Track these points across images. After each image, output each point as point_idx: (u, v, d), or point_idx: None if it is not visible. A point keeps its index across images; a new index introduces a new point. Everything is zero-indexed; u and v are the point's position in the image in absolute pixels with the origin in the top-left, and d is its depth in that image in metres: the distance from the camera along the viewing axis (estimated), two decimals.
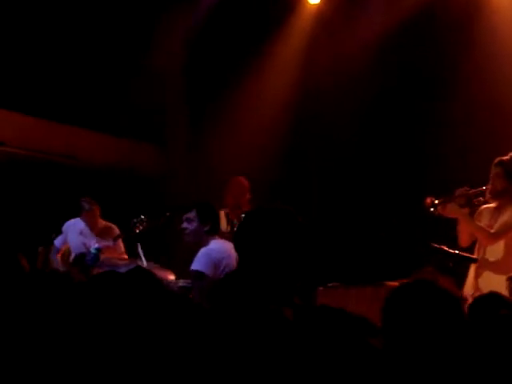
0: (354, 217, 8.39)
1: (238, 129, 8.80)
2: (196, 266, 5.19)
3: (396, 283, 5.05)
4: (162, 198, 8.77)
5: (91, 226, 6.94)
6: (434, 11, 7.92)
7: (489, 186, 5.46)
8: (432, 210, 5.42)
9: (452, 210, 5.46)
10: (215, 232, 5.45)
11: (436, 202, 5.43)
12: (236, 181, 7.07)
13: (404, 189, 8.04)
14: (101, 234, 6.94)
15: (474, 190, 5.53)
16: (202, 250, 5.24)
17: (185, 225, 5.41)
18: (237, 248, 2.44)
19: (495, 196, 5.44)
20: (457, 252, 5.44)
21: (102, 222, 7.03)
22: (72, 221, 7.05)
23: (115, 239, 6.80)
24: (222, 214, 6.85)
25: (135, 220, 6.56)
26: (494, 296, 3.31)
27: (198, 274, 5.15)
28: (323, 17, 8.59)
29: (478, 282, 5.39)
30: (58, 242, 7.00)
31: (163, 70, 8.87)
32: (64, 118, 8.46)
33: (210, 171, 8.61)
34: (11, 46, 7.92)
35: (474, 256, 5.50)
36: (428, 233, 5.93)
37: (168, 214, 6.86)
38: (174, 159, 9.38)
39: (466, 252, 5.53)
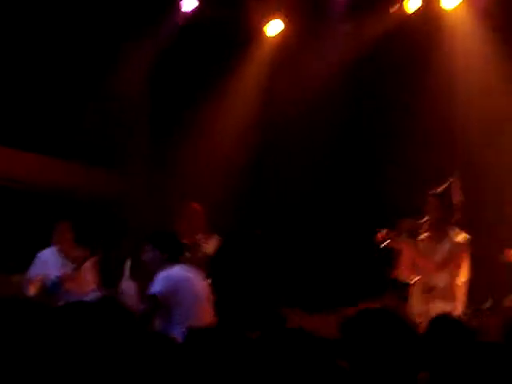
0: (313, 242, 8.50)
1: (199, 155, 8.86)
2: (151, 289, 5.21)
3: (356, 309, 5.15)
4: (119, 223, 8.76)
5: (64, 249, 6.85)
6: (393, 39, 8.12)
7: (427, 218, 5.67)
8: (384, 243, 5.60)
9: (402, 243, 5.65)
10: (176, 259, 5.45)
11: (387, 235, 5.61)
12: (189, 207, 7.06)
13: (363, 215, 8.17)
14: (74, 259, 6.86)
15: (416, 222, 5.74)
16: (159, 274, 5.26)
17: (144, 256, 5.45)
18: (213, 274, 2.48)
19: (433, 227, 5.66)
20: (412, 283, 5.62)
21: (76, 248, 6.93)
22: (42, 251, 6.96)
23: (77, 266, 6.73)
24: None
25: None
26: (450, 320, 3.42)
27: (152, 298, 5.18)
28: (283, 47, 8.72)
29: (427, 308, 5.52)
30: (30, 272, 6.89)
31: (124, 97, 8.90)
32: (13, 142, 8.38)
33: (168, 195, 8.63)
34: None
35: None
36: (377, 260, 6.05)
37: (127, 240, 6.88)
38: (131, 183, 9.35)
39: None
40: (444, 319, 3.40)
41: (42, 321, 2.84)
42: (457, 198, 5.69)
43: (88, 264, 6.86)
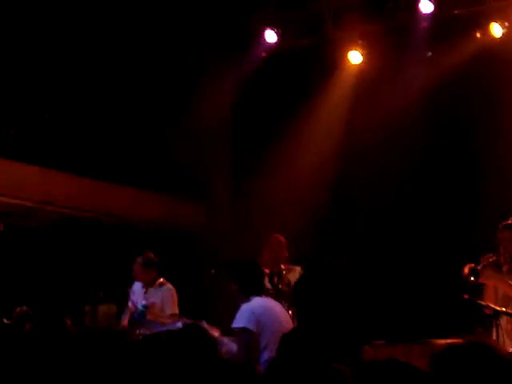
0: (397, 273, 8.39)
1: (280, 186, 8.89)
2: (239, 323, 5.19)
3: (443, 341, 5.05)
4: (205, 254, 8.86)
5: (143, 280, 7.00)
6: (476, 63, 8.02)
7: (502, 253, 5.54)
8: (472, 278, 5.49)
9: (491, 276, 5.55)
10: (255, 291, 5.40)
11: (475, 270, 5.50)
12: (273, 238, 7.12)
13: (447, 244, 8.03)
14: (155, 290, 6.98)
15: (497, 256, 5.61)
16: (244, 306, 5.26)
17: (231, 286, 5.49)
18: (296, 304, 2.48)
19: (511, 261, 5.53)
20: (504, 310, 5.47)
21: (159, 279, 7.05)
22: (135, 282, 7.13)
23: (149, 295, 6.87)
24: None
25: None
26: None
27: (242, 331, 5.15)
28: (365, 76, 8.72)
29: None
30: (128, 303, 7.08)
31: (208, 128, 9.05)
32: (105, 176, 8.61)
33: (251, 228, 8.68)
34: (53, 108, 8.15)
35: None
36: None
37: (212, 271, 6.95)
38: (217, 216, 9.47)
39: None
40: None
41: (128, 351, 2.90)
42: None
43: (169, 294, 6.95)
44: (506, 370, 2.37)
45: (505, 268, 5.64)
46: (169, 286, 6.95)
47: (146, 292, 6.90)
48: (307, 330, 2.42)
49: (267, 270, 6.73)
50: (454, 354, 2.49)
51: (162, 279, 6.96)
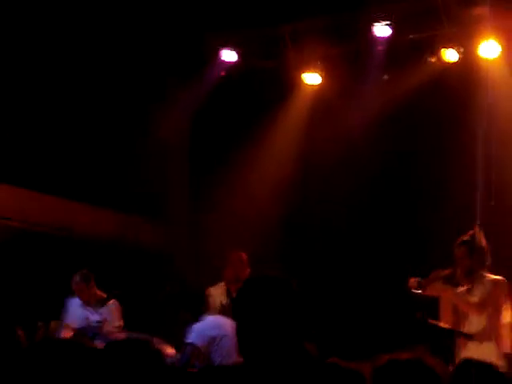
0: (354, 290, 8.50)
1: (238, 203, 8.96)
2: (187, 338, 5.58)
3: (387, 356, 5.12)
4: (162, 271, 8.87)
5: (81, 297, 7.06)
6: (432, 91, 8.19)
7: (458, 268, 5.64)
8: (417, 290, 5.58)
9: (438, 289, 5.64)
10: (200, 311, 5.73)
11: (421, 282, 5.60)
12: (236, 255, 7.22)
13: (402, 261, 8.17)
14: (95, 305, 7.03)
15: (447, 272, 5.71)
16: (194, 325, 5.63)
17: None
18: (235, 317, 2.54)
19: (467, 276, 5.63)
20: (452, 329, 5.56)
21: (98, 294, 7.11)
22: (70, 298, 7.17)
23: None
24: (222, 286, 7.02)
25: None
26: (478, 364, 3.36)
27: (188, 344, 5.53)
28: (323, 98, 8.84)
29: (465, 354, 5.47)
30: (63, 317, 7.10)
31: (165, 146, 9.10)
32: (63, 192, 8.58)
33: (209, 246, 8.73)
34: (12, 120, 8.12)
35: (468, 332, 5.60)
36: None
37: (168, 288, 7.03)
38: (173, 234, 9.48)
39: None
40: (471, 364, 3.33)
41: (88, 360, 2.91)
42: (483, 243, 5.69)
43: (112, 309, 7.02)
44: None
45: (460, 283, 5.74)
46: (111, 301, 7.02)
47: (89, 307, 6.94)
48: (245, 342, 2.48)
49: (230, 287, 6.92)
50: (391, 369, 2.58)
51: (100, 293, 7.03)
